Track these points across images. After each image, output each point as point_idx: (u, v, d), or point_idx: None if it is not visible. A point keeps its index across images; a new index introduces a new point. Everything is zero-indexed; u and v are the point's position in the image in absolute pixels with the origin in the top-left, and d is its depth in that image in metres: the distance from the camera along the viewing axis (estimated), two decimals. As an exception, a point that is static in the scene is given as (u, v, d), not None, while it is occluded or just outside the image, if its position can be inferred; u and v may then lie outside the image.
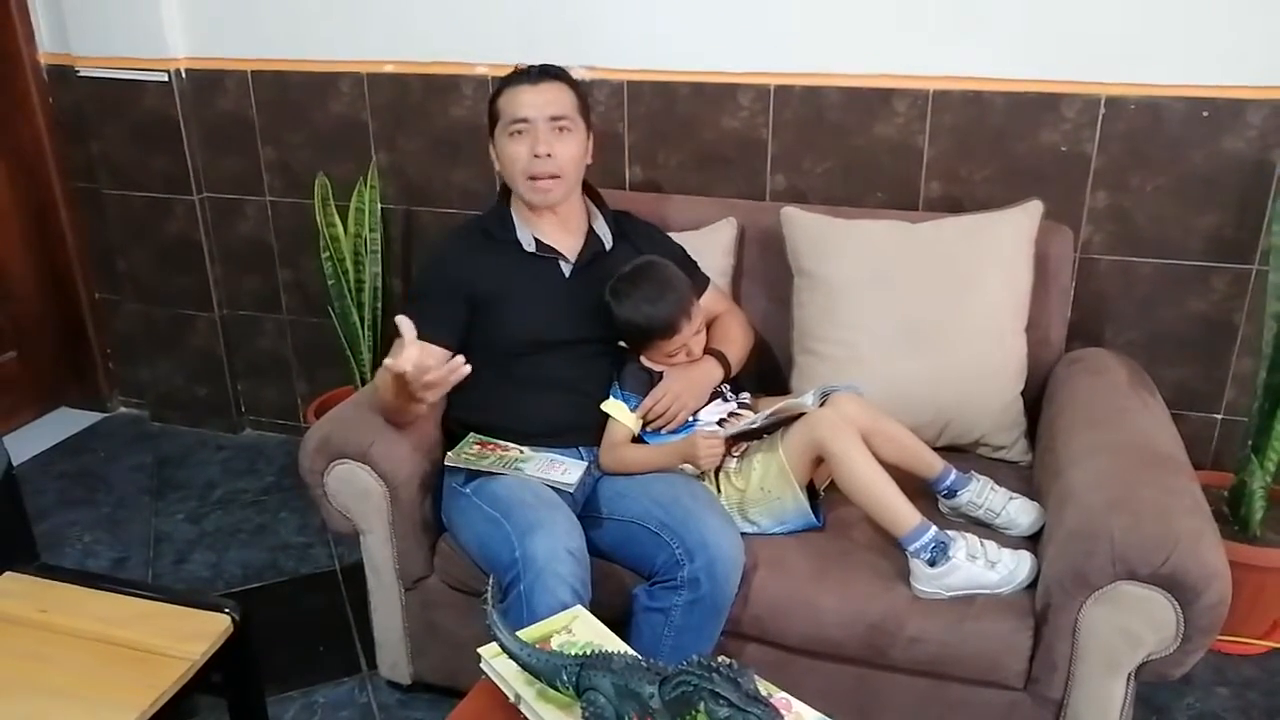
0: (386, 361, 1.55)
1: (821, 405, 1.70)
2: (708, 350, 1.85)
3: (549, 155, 1.76)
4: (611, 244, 1.90)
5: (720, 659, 1.02)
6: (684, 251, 1.97)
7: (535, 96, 1.78)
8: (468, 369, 1.54)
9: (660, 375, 1.80)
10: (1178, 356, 2.21)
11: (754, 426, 1.73)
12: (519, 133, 1.77)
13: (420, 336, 1.58)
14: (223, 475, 2.86)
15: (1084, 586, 1.46)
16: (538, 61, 1.83)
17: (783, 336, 2.09)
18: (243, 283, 2.93)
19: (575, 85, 1.85)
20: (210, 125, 2.76)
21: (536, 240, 1.85)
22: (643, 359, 1.82)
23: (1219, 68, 2.01)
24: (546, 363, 1.81)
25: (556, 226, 1.86)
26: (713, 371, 1.84)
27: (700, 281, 1.93)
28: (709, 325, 1.91)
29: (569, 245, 1.87)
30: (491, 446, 1.80)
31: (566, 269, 1.86)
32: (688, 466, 1.75)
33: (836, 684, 1.65)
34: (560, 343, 1.82)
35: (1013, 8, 2.08)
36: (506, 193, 1.90)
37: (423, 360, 1.56)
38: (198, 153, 2.79)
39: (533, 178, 1.78)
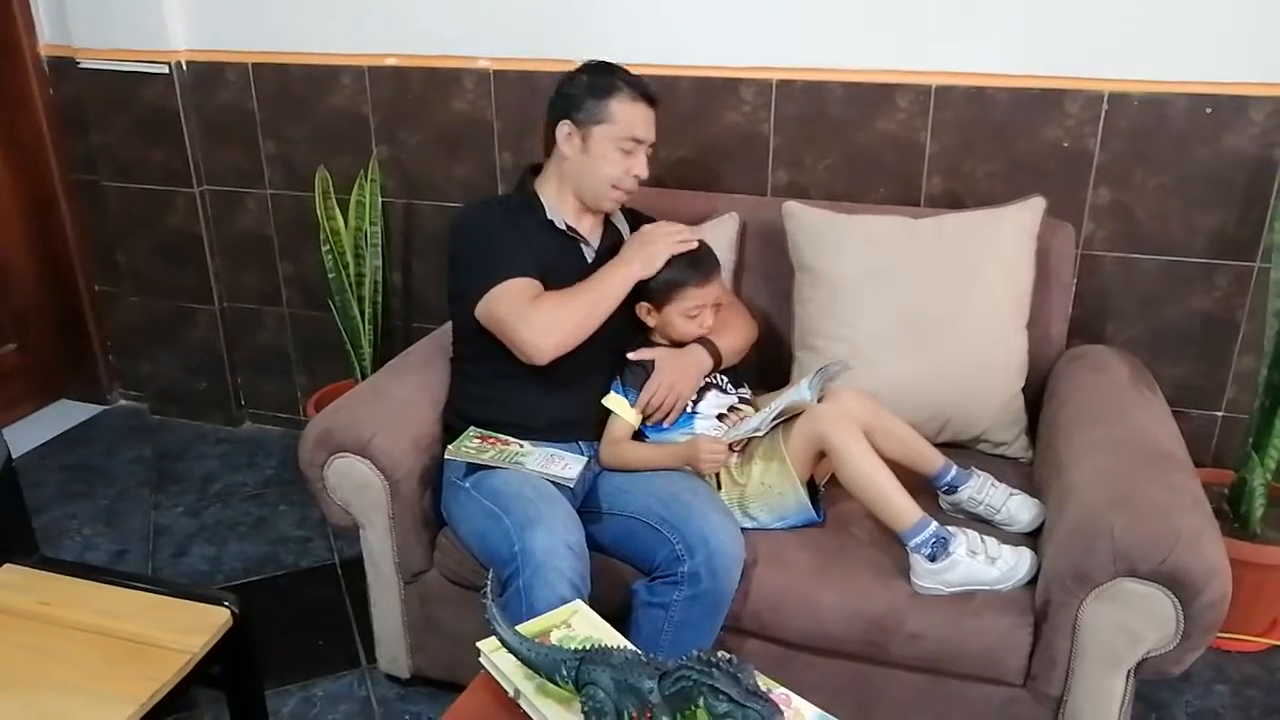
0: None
1: (820, 400, 1.70)
2: (698, 339, 1.85)
3: (639, 177, 1.81)
4: (628, 234, 1.91)
5: (720, 654, 1.01)
6: None
7: (651, 119, 1.82)
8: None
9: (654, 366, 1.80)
10: (1179, 354, 2.21)
11: (759, 434, 1.72)
12: (629, 151, 1.79)
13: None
14: (222, 468, 2.86)
15: (1084, 583, 1.46)
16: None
17: (784, 332, 2.09)
18: (243, 276, 2.93)
19: None
20: (211, 118, 2.75)
21: (565, 223, 1.86)
22: (655, 324, 1.82)
23: (1222, 64, 2.00)
24: None
25: (585, 214, 1.87)
26: (702, 359, 1.83)
27: None
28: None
29: (591, 233, 1.89)
30: (492, 440, 1.79)
31: (589, 253, 1.87)
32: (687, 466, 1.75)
33: (836, 679, 1.65)
34: None
35: (1016, 4, 2.07)
36: (533, 173, 1.89)
37: None
38: (198, 145, 2.78)
39: (618, 188, 1.81)
